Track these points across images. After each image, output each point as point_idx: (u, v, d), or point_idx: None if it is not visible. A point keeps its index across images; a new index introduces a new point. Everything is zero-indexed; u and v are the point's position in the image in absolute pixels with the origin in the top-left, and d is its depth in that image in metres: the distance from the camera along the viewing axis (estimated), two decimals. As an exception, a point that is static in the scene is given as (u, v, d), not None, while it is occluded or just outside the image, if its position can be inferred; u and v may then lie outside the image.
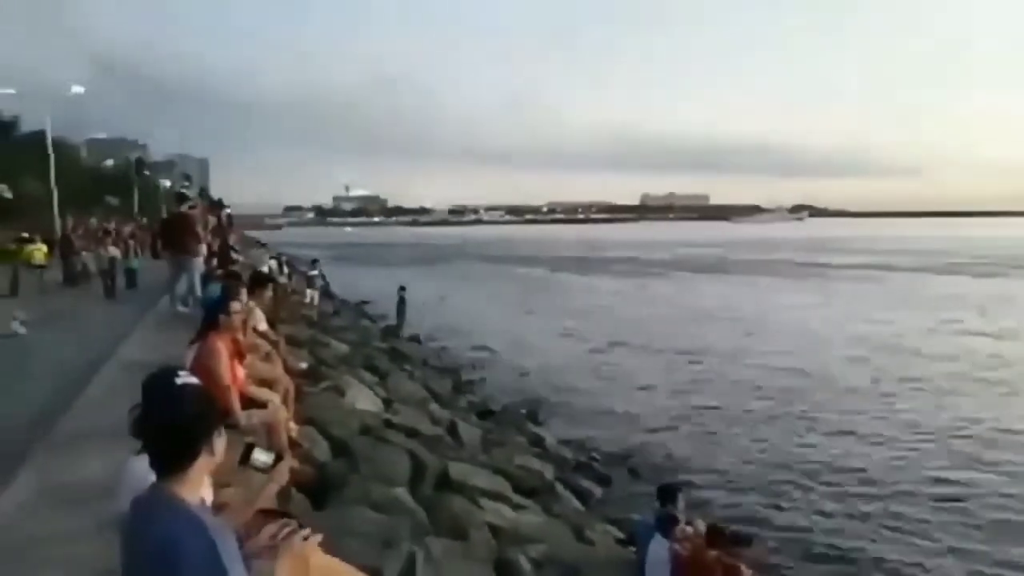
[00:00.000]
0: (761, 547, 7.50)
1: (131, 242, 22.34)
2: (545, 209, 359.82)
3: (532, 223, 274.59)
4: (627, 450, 11.25)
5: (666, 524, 6.00)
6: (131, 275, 18.93)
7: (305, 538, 2.49)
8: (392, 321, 23.02)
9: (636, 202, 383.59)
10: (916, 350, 19.37)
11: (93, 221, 56.11)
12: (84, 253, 20.59)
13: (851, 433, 12.16)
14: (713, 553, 5.79)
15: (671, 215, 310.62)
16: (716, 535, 6.00)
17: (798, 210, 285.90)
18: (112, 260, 18.49)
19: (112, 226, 37.32)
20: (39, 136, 49.24)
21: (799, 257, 59.12)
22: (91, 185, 66.89)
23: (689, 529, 6.23)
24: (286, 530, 2.57)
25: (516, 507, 7.18)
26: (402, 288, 22.93)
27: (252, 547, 2.44)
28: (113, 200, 70.57)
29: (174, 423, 2.00)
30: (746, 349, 19.77)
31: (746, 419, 13.09)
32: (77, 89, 54.36)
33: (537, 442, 10.89)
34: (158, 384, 2.10)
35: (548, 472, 8.91)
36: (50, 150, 43.67)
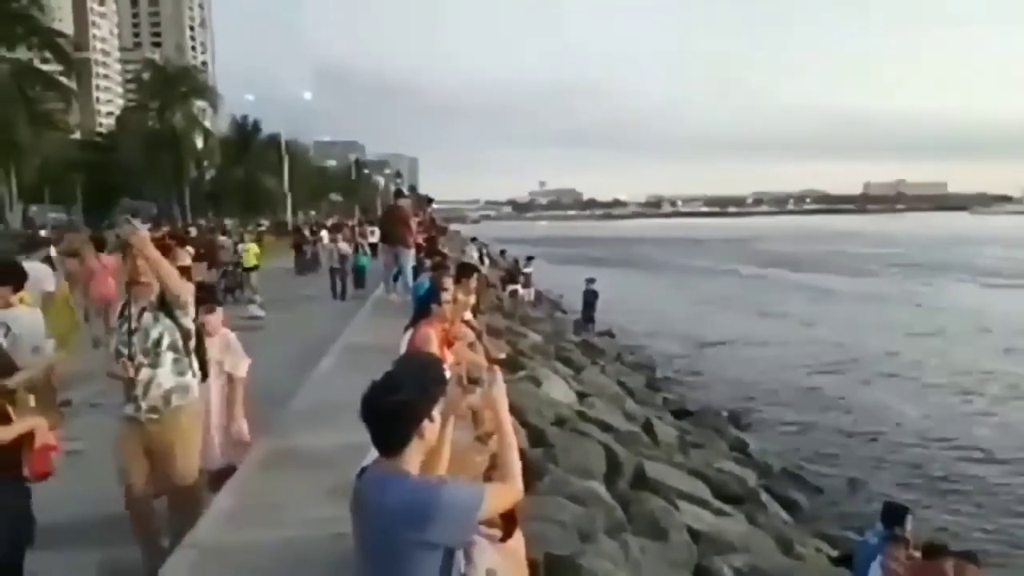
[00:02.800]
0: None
1: (360, 238, 20.78)
2: (750, 200, 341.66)
3: (735, 215, 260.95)
4: (843, 464, 10.43)
5: (892, 546, 5.46)
6: (359, 273, 18.02)
7: (490, 384, 2.49)
8: (580, 314, 22.93)
9: (858, 191, 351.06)
10: None
11: (312, 214, 62.23)
12: (319, 245, 22.28)
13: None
14: (933, 566, 5.19)
15: (900, 205, 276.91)
16: (936, 551, 5.37)
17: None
18: (343, 258, 17.68)
19: (336, 221, 40.71)
20: (275, 138, 55.75)
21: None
22: (317, 183, 74.31)
23: (917, 555, 5.63)
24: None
25: (717, 513, 6.88)
26: (590, 280, 22.71)
27: (449, 408, 2.46)
28: (336, 196, 77.93)
29: (385, 410, 2.14)
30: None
31: (991, 454, 11.28)
32: (307, 95, 60.58)
33: (739, 447, 10.38)
34: (398, 369, 2.30)
35: (751, 479, 8.46)
36: (284, 151, 49.10)
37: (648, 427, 9.54)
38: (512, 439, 2.43)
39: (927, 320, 23.75)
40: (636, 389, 12.94)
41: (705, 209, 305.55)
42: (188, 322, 3.93)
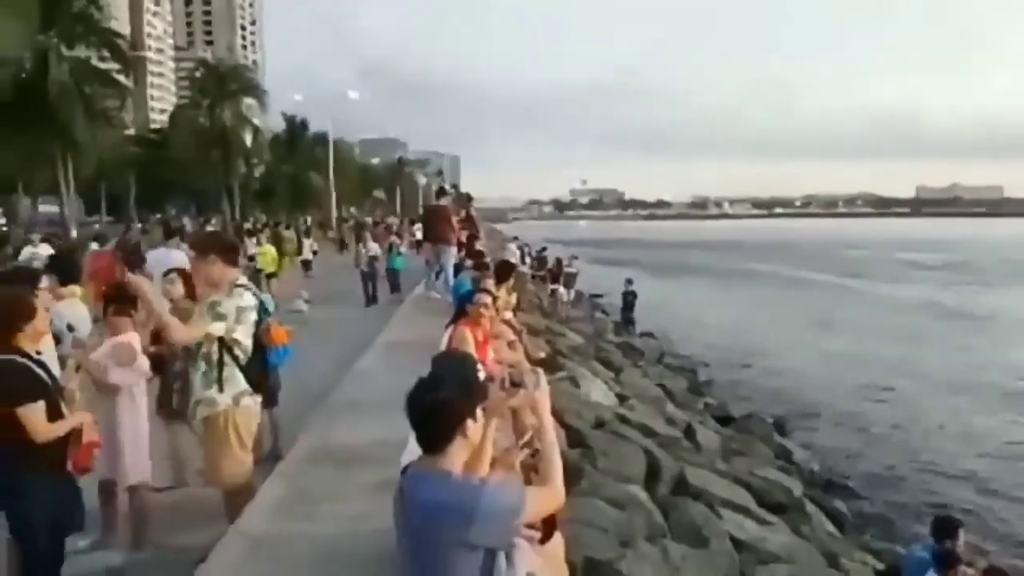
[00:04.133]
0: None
1: (395, 238, 18.79)
2: (799, 202, 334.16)
3: (783, 216, 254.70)
4: (892, 475, 10.18)
5: (945, 561, 5.27)
6: (393, 276, 16.25)
7: (534, 386, 2.46)
8: (621, 316, 22.63)
9: (910, 194, 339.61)
10: None
11: (352, 211, 62.84)
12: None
13: None
14: None
15: (954, 210, 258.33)
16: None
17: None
18: (372, 260, 16.07)
19: (374, 218, 40.78)
20: (322, 136, 56.66)
21: None
22: (361, 180, 75.32)
23: (970, 571, 5.44)
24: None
25: (760, 522, 6.74)
26: (629, 281, 22.43)
27: (492, 408, 2.45)
28: (379, 194, 78.88)
29: (428, 408, 2.16)
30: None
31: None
32: (353, 95, 61.55)
33: (784, 455, 10.17)
34: (435, 368, 2.35)
35: (796, 488, 8.26)
36: (331, 150, 49.84)
37: (690, 432, 9.40)
38: (554, 443, 2.41)
39: (987, 333, 22.76)
40: (677, 393, 12.77)
41: (753, 211, 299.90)
42: (231, 335, 3.83)
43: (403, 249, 17.94)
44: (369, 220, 40.60)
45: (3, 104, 24.96)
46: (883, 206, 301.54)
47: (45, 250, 12.99)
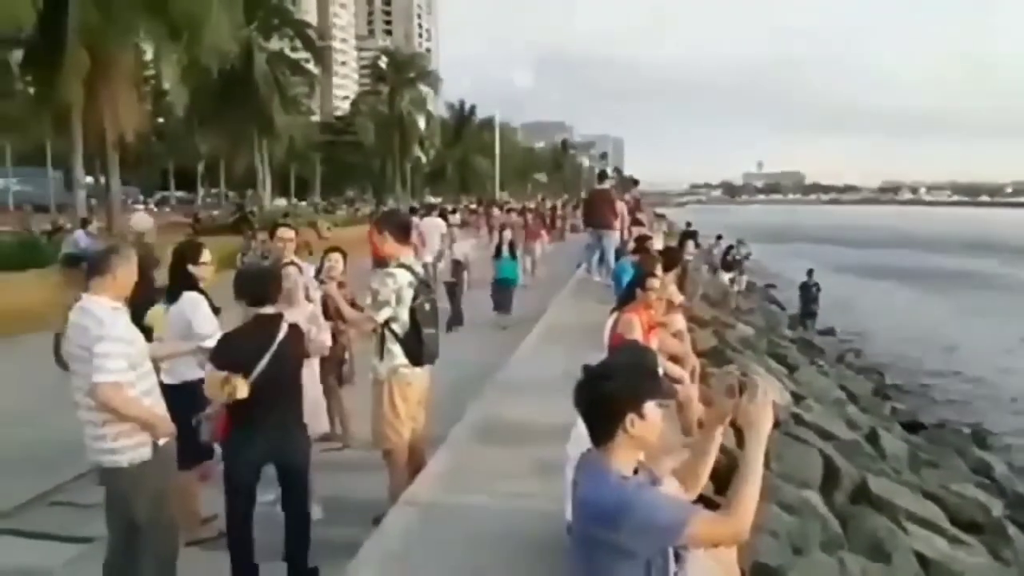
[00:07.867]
0: None
1: (507, 231, 11.85)
2: (1010, 189, 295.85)
3: (990, 205, 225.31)
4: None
5: None
6: (503, 290, 11.10)
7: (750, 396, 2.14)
8: (797, 309, 21.10)
9: None
10: None
11: (504, 194, 62.61)
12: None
13: None
14: None
15: None
16: None
17: None
18: (458, 267, 10.92)
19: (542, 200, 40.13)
20: (487, 121, 58.31)
21: None
22: (525, 164, 76.61)
23: None
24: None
25: (952, 540, 6.10)
26: (810, 271, 20.79)
27: (716, 416, 2.26)
28: (541, 177, 79.89)
29: (590, 400, 2.10)
30: None
31: None
32: (521, 80, 62.86)
33: (983, 469, 9.11)
34: (611, 357, 2.21)
35: (996, 507, 7.38)
36: (496, 134, 51.12)
37: (873, 438, 8.68)
38: (756, 469, 2.06)
39: None
40: (861, 395, 11.78)
41: (953, 198, 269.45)
42: (383, 315, 4.17)
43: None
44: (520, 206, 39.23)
45: (212, 94, 27.73)
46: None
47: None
